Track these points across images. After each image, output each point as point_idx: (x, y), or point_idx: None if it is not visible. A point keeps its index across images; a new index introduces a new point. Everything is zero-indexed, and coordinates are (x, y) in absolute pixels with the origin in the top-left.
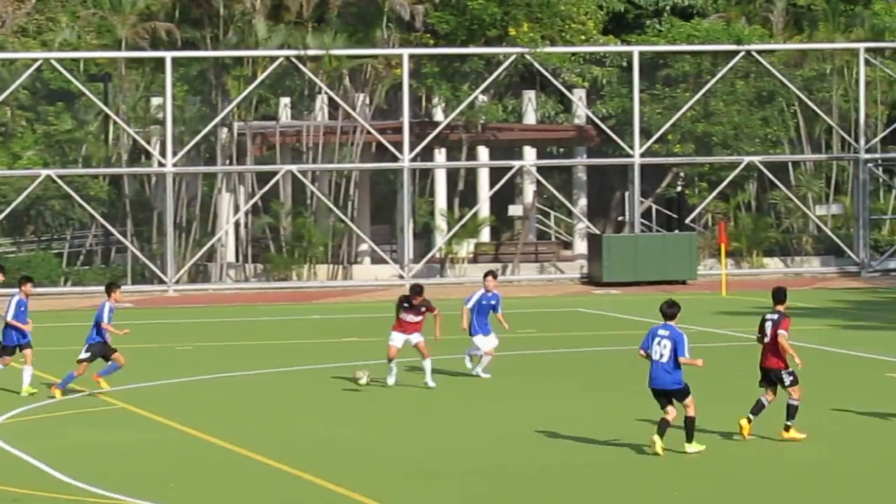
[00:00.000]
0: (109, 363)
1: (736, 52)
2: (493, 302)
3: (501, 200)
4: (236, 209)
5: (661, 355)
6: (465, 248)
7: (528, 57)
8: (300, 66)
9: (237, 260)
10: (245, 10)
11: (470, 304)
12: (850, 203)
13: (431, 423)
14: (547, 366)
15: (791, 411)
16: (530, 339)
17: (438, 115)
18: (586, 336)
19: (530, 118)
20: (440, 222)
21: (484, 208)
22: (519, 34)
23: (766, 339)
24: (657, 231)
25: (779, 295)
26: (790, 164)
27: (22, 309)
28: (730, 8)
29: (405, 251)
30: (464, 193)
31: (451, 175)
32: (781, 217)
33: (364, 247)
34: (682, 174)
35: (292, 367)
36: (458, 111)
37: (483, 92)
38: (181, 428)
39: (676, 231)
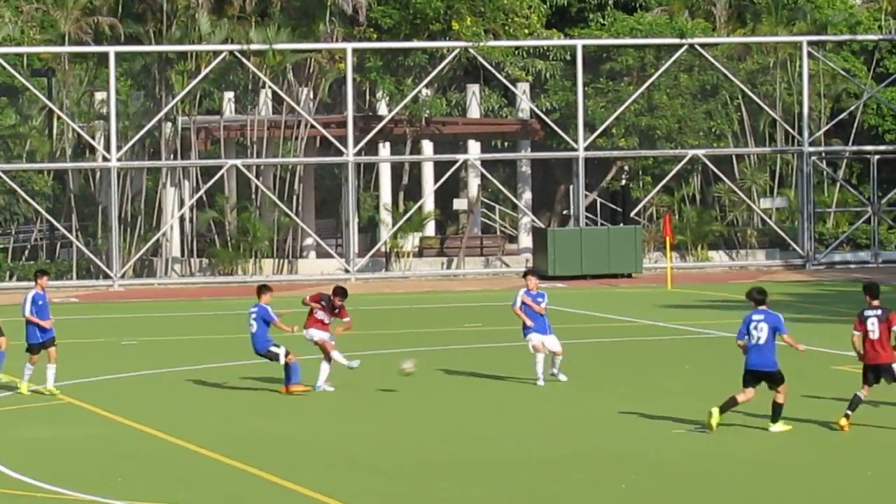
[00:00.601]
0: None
1: (679, 46)
2: (539, 300)
3: (446, 194)
4: (181, 204)
5: (759, 338)
6: (410, 242)
7: (471, 51)
8: (243, 60)
9: (182, 255)
10: (188, 5)
11: (517, 305)
12: (795, 196)
13: (378, 418)
14: (494, 359)
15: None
16: (477, 333)
17: (382, 109)
18: None
19: (474, 112)
20: (385, 216)
21: (429, 202)
22: (462, 28)
23: (875, 335)
24: (602, 225)
25: (873, 290)
26: (734, 157)
27: (40, 303)
28: (673, 1)
29: (350, 245)
30: (408, 187)
31: (396, 169)
32: (726, 210)
33: (309, 241)
34: (626, 168)
35: (237, 361)
36: (401, 105)
37: (427, 86)
38: (127, 422)
39: (621, 225)
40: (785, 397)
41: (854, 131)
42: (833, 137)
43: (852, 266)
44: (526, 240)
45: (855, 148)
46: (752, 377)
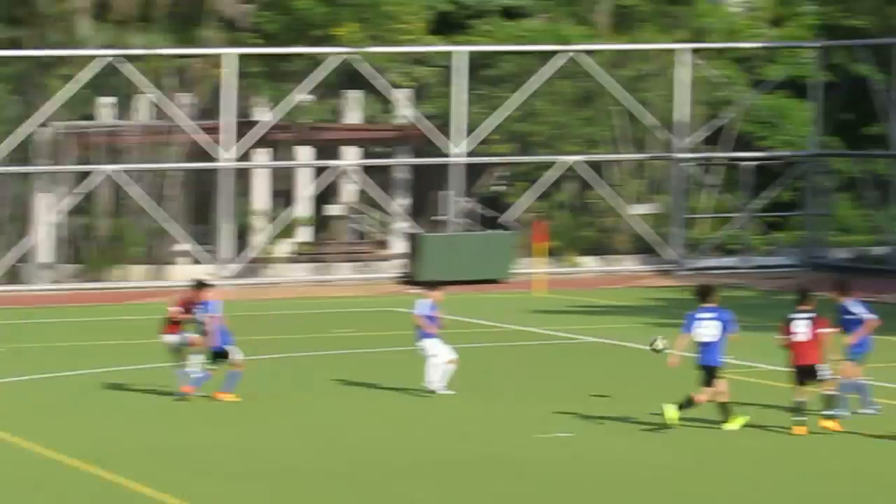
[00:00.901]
0: None
1: (560, 53)
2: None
3: (323, 200)
4: (53, 209)
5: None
6: (284, 248)
7: (353, 57)
8: (123, 65)
9: (53, 261)
10: (69, 9)
11: (421, 312)
12: (667, 202)
13: (247, 426)
14: (365, 365)
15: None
16: (348, 338)
17: (262, 114)
18: (404, 335)
19: (355, 118)
20: (259, 222)
21: (304, 208)
22: (345, 34)
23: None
24: (478, 230)
25: (804, 295)
26: (610, 162)
27: None
28: (555, 8)
29: (223, 251)
30: (286, 193)
31: (274, 174)
32: (598, 216)
33: (182, 247)
34: (503, 173)
35: (105, 368)
36: (281, 111)
37: (308, 91)
38: None
39: (495, 230)
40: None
41: (728, 138)
42: (707, 144)
43: (721, 271)
44: (400, 245)
45: (729, 154)
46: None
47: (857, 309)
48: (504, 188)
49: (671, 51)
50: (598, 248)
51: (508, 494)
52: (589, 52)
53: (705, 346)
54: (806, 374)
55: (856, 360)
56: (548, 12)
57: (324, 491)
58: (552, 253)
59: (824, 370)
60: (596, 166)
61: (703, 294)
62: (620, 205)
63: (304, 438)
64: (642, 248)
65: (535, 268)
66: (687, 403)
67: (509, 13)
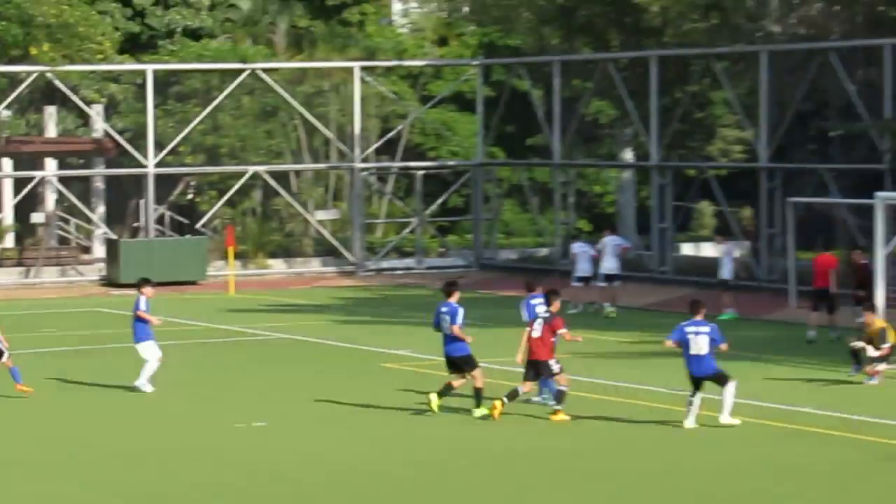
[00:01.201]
0: None
1: (242, 70)
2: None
3: (26, 209)
4: None
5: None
6: None
7: (48, 74)
8: None
9: None
10: None
11: (143, 309)
12: (347, 208)
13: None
14: (73, 362)
15: (560, 396)
16: (53, 337)
17: None
18: (109, 334)
19: (52, 132)
20: None
21: (8, 216)
22: (40, 53)
23: (536, 334)
24: (170, 236)
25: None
26: (293, 172)
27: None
28: (237, 30)
29: None
30: None
31: None
32: (284, 221)
33: None
34: (193, 183)
35: None
36: None
37: (7, 107)
38: None
39: (188, 236)
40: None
41: (401, 148)
42: (382, 154)
43: (399, 271)
44: (100, 250)
45: (402, 164)
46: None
47: (536, 302)
48: (196, 197)
49: (345, 68)
50: (285, 251)
51: (209, 483)
52: (268, 70)
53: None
54: (536, 369)
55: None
56: (229, 33)
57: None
58: (242, 256)
59: (554, 365)
60: (280, 175)
61: (544, 294)
62: (304, 211)
63: (21, 431)
64: (326, 251)
65: (229, 270)
66: (445, 390)
67: (194, 34)
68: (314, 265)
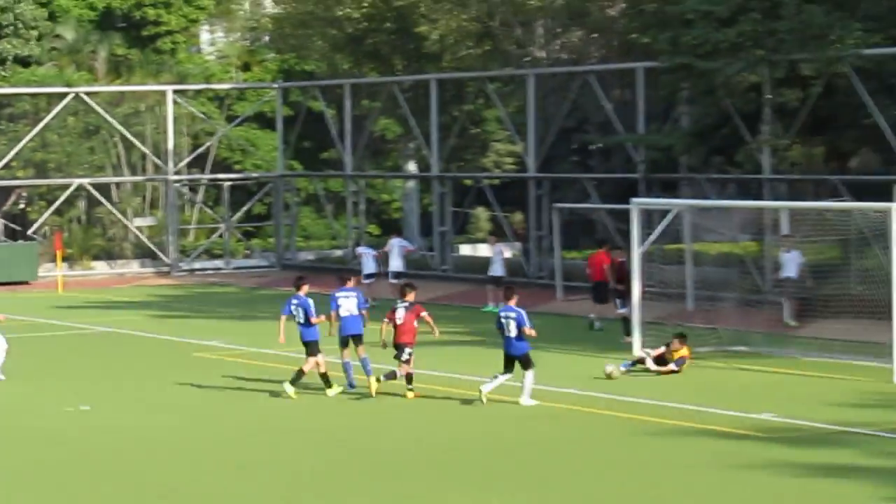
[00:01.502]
0: None
1: (67, 94)
2: None
3: None
4: None
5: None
6: None
7: None
8: None
9: None
10: None
11: None
12: (163, 216)
13: None
14: None
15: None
16: None
17: None
18: None
19: None
20: None
21: None
22: None
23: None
24: (4, 241)
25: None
26: (113, 184)
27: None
28: (62, 57)
29: None
30: None
31: None
32: (106, 228)
33: None
34: (24, 194)
35: None
36: None
37: None
38: None
39: (21, 241)
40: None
41: (210, 162)
42: (193, 168)
43: (209, 271)
44: None
45: (211, 176)
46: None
47: (341, 294)
48: (27, 206)
49: (159, 91)
50: (107, 254)
51: (42, 460)
52: (90, 93)
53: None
54: (398, 349)
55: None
56: (55, 60)
57: None
58: (69, 259)
59: (408, 349)
60: (102, 187)
61: (403, 290)
62: (124, 218)
63: None
64: (144, 254)
65: (57, 271)
66: (297, 376)
67: (24, 62)
68: (134, 266)
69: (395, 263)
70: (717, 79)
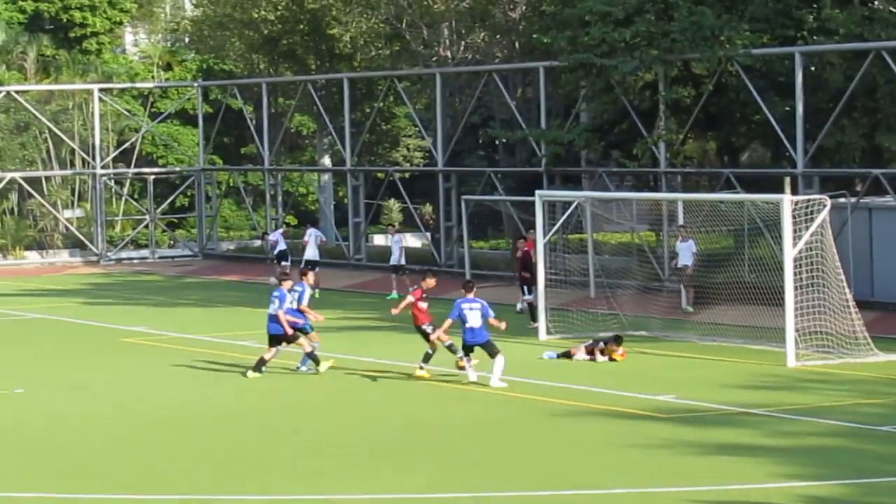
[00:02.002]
0: None
1: None
2: None
3: None
4: None
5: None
6: None
7: None
8: None
9: None
10: None
11: None
12: (91, 208)
13: None
14: None
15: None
16: None
17: None
18: None
19: None
20: None
21: None
22: None
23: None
24: None
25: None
26: (44, 178)
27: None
28: None
29: None
30: None
31: None
32: (37, 219)
33: None
34: None
35: None
36: None
37: None
38: None
39: None
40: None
41: (135, 157)
42: (119, 162)
43: (135, 260)
44: None
45: (136, 170)
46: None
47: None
48: None
49: (85, 90)
50: (38, 245)
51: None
52: (21, 92)
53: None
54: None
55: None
56: None
57: None
58: (2, 249)
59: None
60: (33, 180)
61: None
62: (54, 210)
63: None
64: (73, 244)
65: None
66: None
67: None
68: (64, 256)
69: (310, 252)
70: (614, 77)
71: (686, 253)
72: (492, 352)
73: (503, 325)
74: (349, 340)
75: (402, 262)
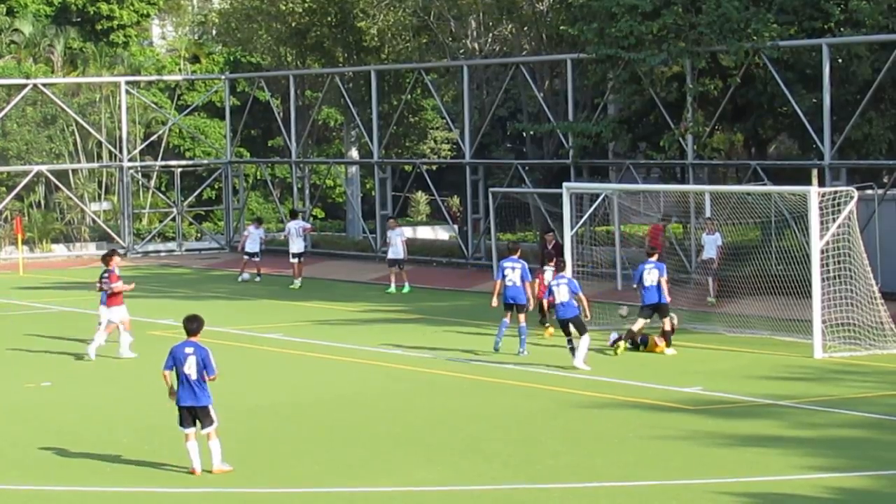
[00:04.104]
0: None
1: (25, 85)
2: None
3: None
4: None
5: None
6: None
7: None
8: None
9: None
10: None
11: None
12: (118, 201)
13: None
14: None
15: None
16: None
17: None
18: None
19: None
20: None
21: None
22: None
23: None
24: None
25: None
26: (70, 171)
27: None
28: (20, 50)
29: None
30: None
31: None
32: (64, 212)
33: None
34: None
35: None
36: None
37: None
38: None
39: None
40: None
41: (162, 150)
42: (146, 155)
43: (163, 254)
44: None
45: (163, 163)
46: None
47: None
48: None
49: (112, 83)
50: (65, 238)
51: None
52: (48, 84)
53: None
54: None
55: None
56: (14, 54)
57: None
58: (29, 242)
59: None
60: (60, 173)
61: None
62: (81, 203)
63: None
64: (100, 237)
65: (18, 254)
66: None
67: None
68: (91, 249)
69: (296, 246)
70: (641, 69)
71: (711, 246)
72: (581, 329)
73: (584, 302)
74: (378, 332)
75: (403, 255)
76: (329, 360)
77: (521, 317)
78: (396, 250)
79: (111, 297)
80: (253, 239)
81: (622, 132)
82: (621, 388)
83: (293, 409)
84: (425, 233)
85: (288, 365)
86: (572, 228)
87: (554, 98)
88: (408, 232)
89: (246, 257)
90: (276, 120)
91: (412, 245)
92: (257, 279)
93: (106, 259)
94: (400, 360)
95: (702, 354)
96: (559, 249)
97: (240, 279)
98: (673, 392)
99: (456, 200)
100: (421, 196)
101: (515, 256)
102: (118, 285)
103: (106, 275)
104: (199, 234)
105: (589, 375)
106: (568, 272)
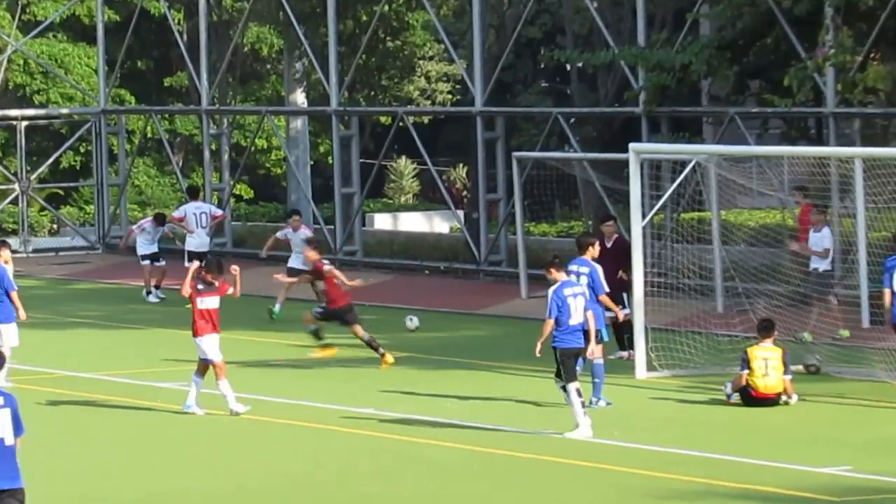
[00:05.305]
0: None
1: None
2: None
3: None
4: None
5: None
6: None
7: None
8: None
9: None
10: None
11: None
12: None
13: None
14: None
15: None
16: None
17: None
18: None
19: None
20: None
21: None
22: None
23: None
24: None
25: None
26: None
27: None
28: None
29: None
30: None
31: None
32: None
33: None
34: None
35: None
36: None
37: None
38: None
39: None
40: None
41: None
42: None
43: None
44: None
45: None
46: None
47: None
48: None
49: None
50: None
51: None
52: None
53: None
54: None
55: None
56: None
57: None
58: None
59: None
60: None
61: None
62: None
63: None
64: None
65: None
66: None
67: None
68: None
69: (194, 242)
70: None
71: (819, 248)
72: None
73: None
74: (341, 380)
75: (301, 265)
76: (263, 424)
77: (598, 349)
78: (294, 259)
79: None
80: (148, 234)
81: (722, 64)
82: (729, 467)
83: (204, 500)
84: (413, 222)
85: (195, 432)
86: (645, 216)
87: (615, 11)
88: (387, 221)
89: (146, 262)
90: (179, 45)
91: (392, 242)
92: (160, 296)
93: None
94: (373, 425)
95: (851, 415)
96: (625, 248)
97: (150, 297)
98: (807, 474)
99: (461, 172)
100: (406, 165)
101: (586, 257)
102: None
103: None
104: (55, 226)
105: (679, 448)
106: (638, 288)
